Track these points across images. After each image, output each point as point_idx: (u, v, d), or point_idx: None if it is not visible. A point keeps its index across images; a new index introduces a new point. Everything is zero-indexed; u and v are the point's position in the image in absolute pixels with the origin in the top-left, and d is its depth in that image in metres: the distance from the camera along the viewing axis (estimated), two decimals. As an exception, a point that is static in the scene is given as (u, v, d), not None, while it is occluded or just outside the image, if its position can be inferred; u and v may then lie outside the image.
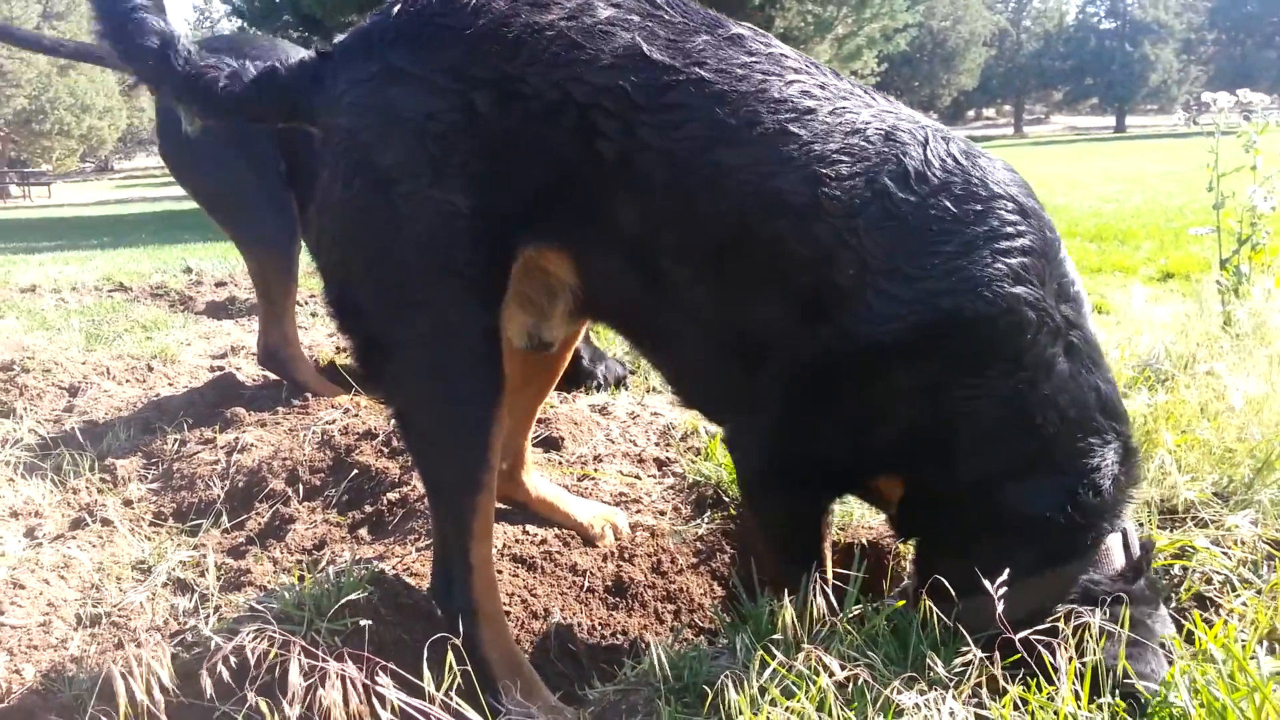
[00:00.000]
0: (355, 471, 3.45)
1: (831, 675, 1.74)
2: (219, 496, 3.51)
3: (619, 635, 2.56)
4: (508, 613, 2.55)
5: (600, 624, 2.59)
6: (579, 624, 2.57)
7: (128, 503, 3.57)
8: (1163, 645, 1.97)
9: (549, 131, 2.05)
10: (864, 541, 2.79)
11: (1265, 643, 2.02)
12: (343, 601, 2.36)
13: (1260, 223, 4.80)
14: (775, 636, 1.93)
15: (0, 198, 41.24)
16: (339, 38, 2.27)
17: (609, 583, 2.71)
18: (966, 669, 1.79)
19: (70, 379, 4.98)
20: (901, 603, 2.07)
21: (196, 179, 4.51)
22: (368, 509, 3.25)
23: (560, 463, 3.48)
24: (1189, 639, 2.00)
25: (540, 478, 3.01)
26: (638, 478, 3.37)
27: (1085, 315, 2.05)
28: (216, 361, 5.57)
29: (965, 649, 1.82)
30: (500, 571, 2.68)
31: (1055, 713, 1.71)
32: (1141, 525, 2.63)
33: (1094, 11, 78.31)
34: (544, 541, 2.82)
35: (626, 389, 4.50)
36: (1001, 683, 1.77)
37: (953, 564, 2.00)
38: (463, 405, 2.17)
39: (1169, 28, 72.03)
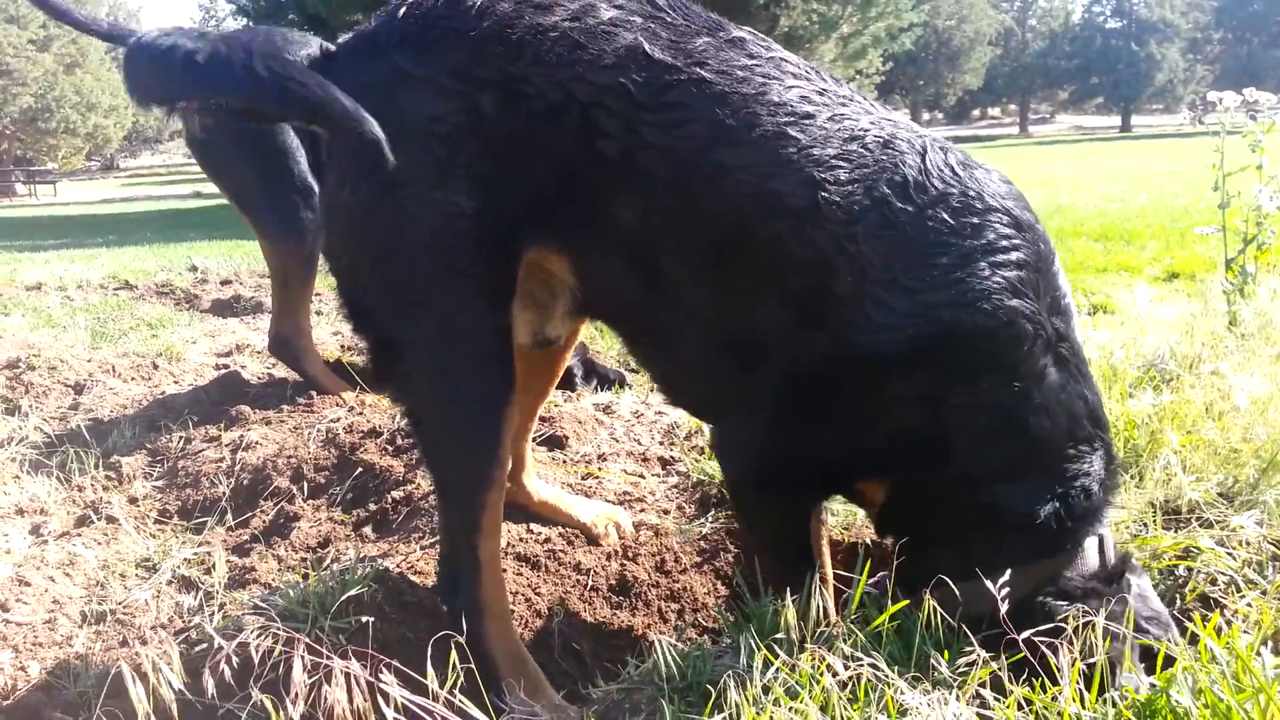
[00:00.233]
0: (360, 469, 3.46)
1: (835, 675, 1.74)
2: (224, 494, 3.52)
3: (622, 634, 2.56)
4: (511, 611, 2.55)
5: (604, 623, 2.59)
6: (583, 623, 2.57)
7: (133, 500, 3.58)
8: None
9: (552, 132, 2.06)
10: (868, 541, 2.79)
11: (1270, 643, 2.02)
12: (347, 599, 2.37)
13: (1266, 222, 4.79)
14: (779, 636, 1.93)
15: (6, 196, 41.32)
16: (343, 38, 2.27)
17: (613, 582, 2.71)
18: (970, 669, 1.79)
19: (76, 376, 4.99)
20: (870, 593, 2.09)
21: (223, 167, 4.54)
22: (372, 507, 3.26)
23: (564, 461, 3.48)
24: (1193, 640, 2.00)
25: (541, 481, 3.01)
26: (642, 477, 3.37)
27: (1074, 327, 2.09)
28: (221, 359, 5.58)
29: (969, 648, 1.82)
30: (504, 570, 2.68)
31: (1059, 713, 1.71)
32: (1146, 526, 2.63)
33: (1100, 10, 78.13)
34: (548, 540, 2.83)
35: (625, 387, 4.50)
36: (1005, 683, 1.77)
37: (941, 563, 2.02)
38: (473, 403, 2.18)
39: (1175, 27, 71.85)
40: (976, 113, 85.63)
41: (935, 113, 79.53)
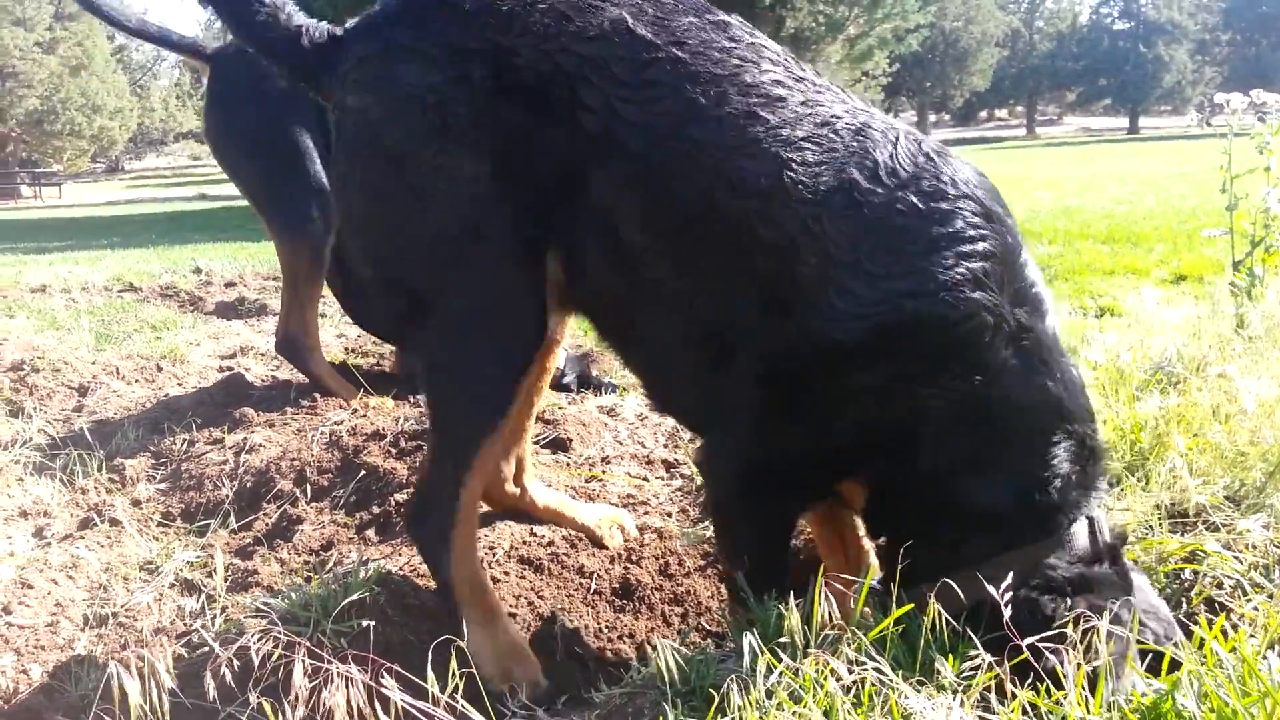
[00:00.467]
0: (363, 472, 3.45)
1: (839, 679, 1.73)
2: (227, 497, 3.51)
3: (626, 638, 2.55)
4: (514, 614, 2.55)
5: (607, 626, 2.58)
6: (586, 626, 2.56)
7: (136, 503, 3.58)
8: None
9: (541, 103, 2.10)
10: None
11: (1276, 648, 2.00)
12: (349, 602, 2.36)
13: (1274, 225, 4.77)
14: (782, 640, 1.92)
15: (11, 198, 41.44)
16: (351, 21, 2.35)
17: (616, 585, 2.70)
18: (974, 673, 1.78)
19: (80, 379, 4.99)
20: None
21: (238, 165, 4.56)
22: (375, 510, 3.25)
23: (568, 464, 3.47)
24: (1199, 645, 1.98)
25: (543, 486, 3.01)
26: (646, 479, 3.37)
27: (1043, 316, 2.06)
28: (225, 362, 5.58)
29: (974, 653, 1.80)
30: (507, 573, 2.67)
31: (1063, 717, 1.70)
32: (1152, 529, 2.61)
33: (1107, 12, 77.99)
34: (551, 543, 2.82)
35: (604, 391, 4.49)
36: (1010, 687, 1.75)
37: (916, 558, 2.02)
38: (494, 355, 2.24)
39: (1183, 28, 71.71)
40: (983, 114, 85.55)
41: (942, 114, 79.51)
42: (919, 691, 1.75)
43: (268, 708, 1.70)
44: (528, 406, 2.85)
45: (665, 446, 3.63)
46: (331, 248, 4.38)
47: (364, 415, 3.93)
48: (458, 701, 1.80)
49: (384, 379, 4.69)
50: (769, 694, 1.75)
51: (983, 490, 2.02)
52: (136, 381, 5.11)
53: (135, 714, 1.64)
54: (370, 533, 3.15)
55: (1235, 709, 1.68)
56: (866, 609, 2.04)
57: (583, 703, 2.27)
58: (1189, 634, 2.05)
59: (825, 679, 1.74)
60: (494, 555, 2.73)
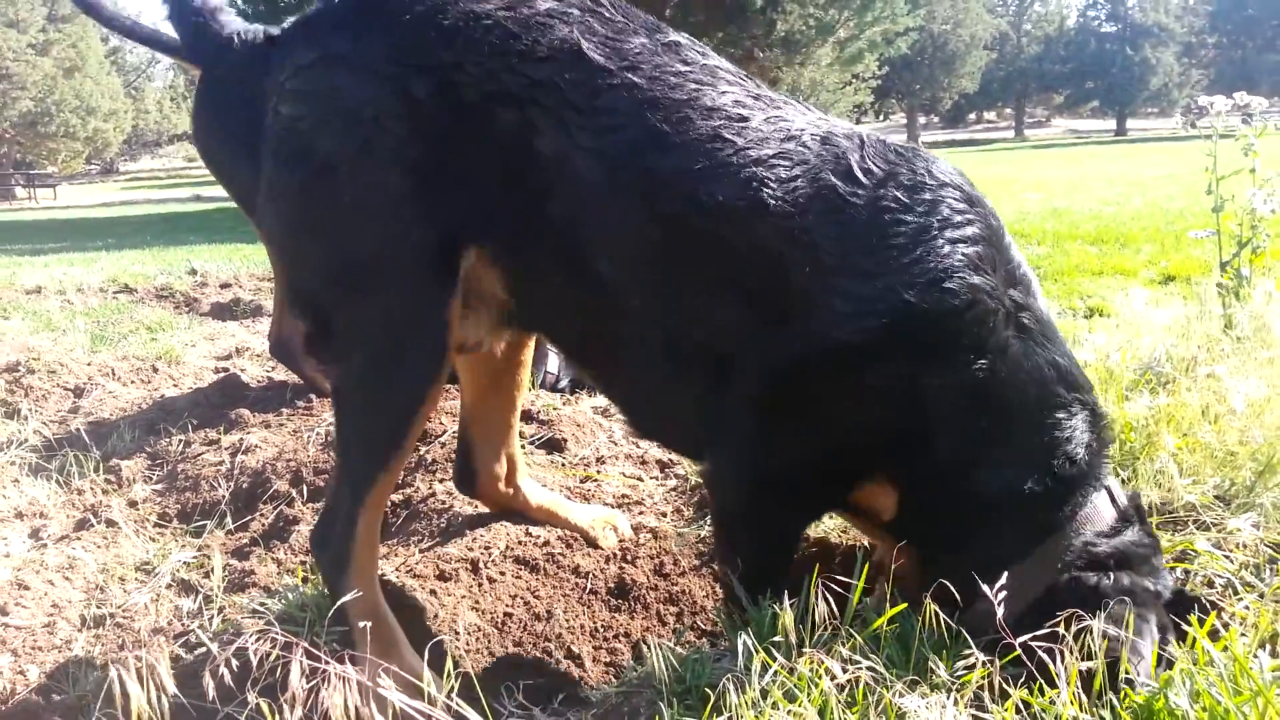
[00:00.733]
0: (358, 473, 3.45)
1: (833, 678, 1.75)
2: (223, 498, 3.52)
3: (621, 637, 2.57)
4: (510, 614, 2.56)
5: (603, 626, 2.59)
6: (581, 626, 2.58)
7: (132, 504, 3.58)
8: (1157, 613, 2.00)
9: (487, 123, 2.07)
10: (866, 544, 2.79)
11: (1268, 646, 2.03)
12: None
13: (1260, 226, 4.80)
14: (777, 639, 1.93)
15: (6, 200, 41.26)
16: (287, 22, 2.30)
17: (611, 585, 2.72)
18: (969, 672, 1.80)
19: (75, 380, 4.99)
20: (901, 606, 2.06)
21: (227, 168, 4.52)
22: (371, 511, 3.25)
23: (563, 465, 3.49)
24: (1191, 644, 2.01)
25: (537, 485, 3.01)
26: (640, 480, 3.38)
27: (1034, 294, 2.08)
28: (221, 363, 5.58)
29: (968, 652, 1.82)
30: (503, 573, 2.69)
31: (1056, 716, 1.72)
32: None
33: (1095, 15, 78.07)
34: (546, 543, 2.83)
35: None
36: (1004, 686, 1.77)
37: (948, 556, 2.03)
38: (393, 388, 2.21)
39: (1170, 31, 71.85)
40: (972, 116, 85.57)
41: (931, 116, 79.58)
42: (913, 690, 1.76)
43: (265, 708, 1.71)
44: (510, 404, 2.84)
45: (659, 447, 3.64)
46: None
47: (359, 417, 3.93)
48: (454, 701, 1.81)
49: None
50: (764, 693, 1.76)
51: (1010, 474, 2.02)
52: (132, 383, 5.11)
53: (136, 714, 1.64)
54: (366, 534, 3.15)
55: (1227, 708, 1.70)
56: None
57: (579, 702, 2.28)
58: (1181, 634, 2.07)
59: (820, 678, 1.76)
60: (490, 555, 2.74)
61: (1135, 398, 3.27)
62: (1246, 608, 2.24)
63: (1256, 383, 3.33)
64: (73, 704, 2.31)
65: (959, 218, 2.01)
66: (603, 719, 2.05)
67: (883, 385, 2.01)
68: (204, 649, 2.38)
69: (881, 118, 78.63)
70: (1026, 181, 21.68)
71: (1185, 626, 1.96)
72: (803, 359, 2.02)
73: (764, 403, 2.09)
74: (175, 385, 5.10)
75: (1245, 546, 2.49)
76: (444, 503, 3.11)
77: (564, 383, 4.57)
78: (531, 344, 2.78)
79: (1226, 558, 2.45)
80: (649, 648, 2.17)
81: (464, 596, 2.59)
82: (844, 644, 1.95)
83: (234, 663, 1.75)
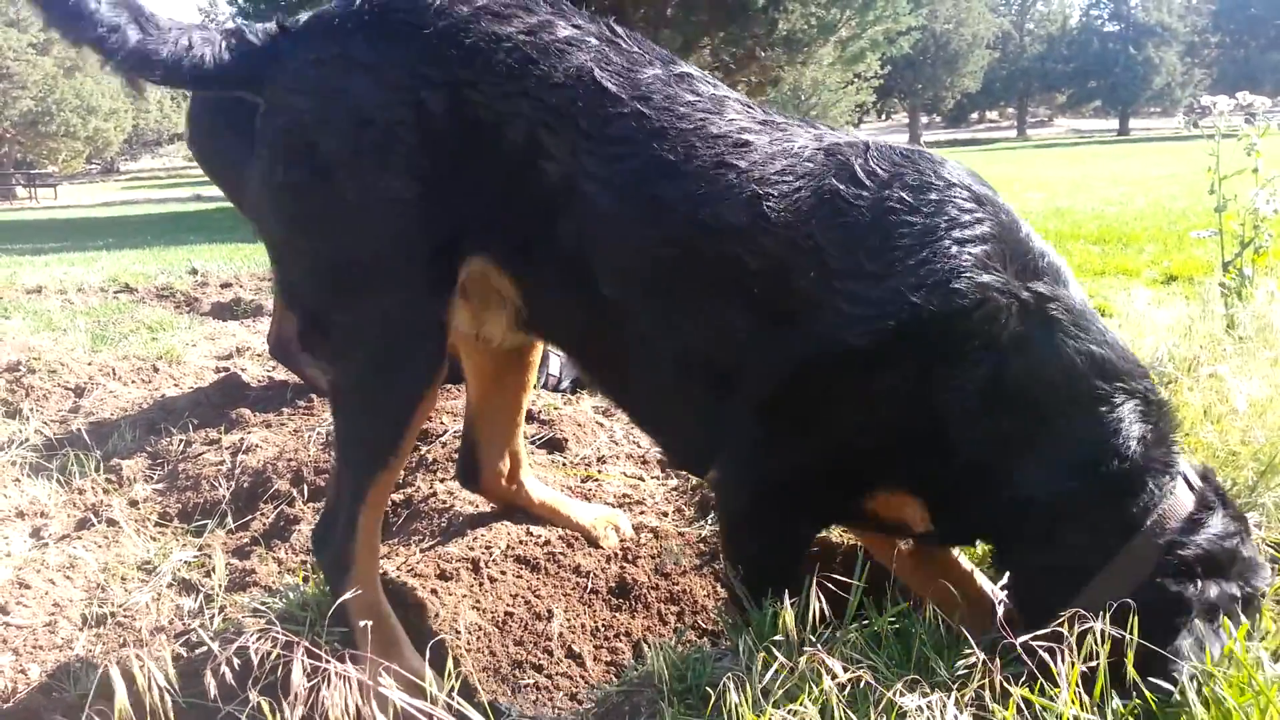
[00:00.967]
0: (359, 473, 3.45)
1: (834, 677, 1.74)
2: (224, 497, 3.52)
3: (622, 636, 2.57)
4: (511, 613, 2.56)
5: (604, 625, 2.59)
6: (583, 625, 2.58)
7: (133, 503, 3.58)
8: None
9: (497, 141, 2.09)
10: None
11: (1270, 648, 2.02)
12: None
13: (1263, 226, 4.79)
14: (778, 638, 1.93)
15: (7, 199, 41.31)
16: (303, 15, 2.30)
17: (612, 584, 2.71)
18: (969, 672, 1.79)
19: (76, 380, 4.99)
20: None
21: (223, 170, 4.52)
22: (372, 510, 3.25)
23: (564, 464, 3.49)
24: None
25: (540, 483, 3.01)
26: (641, 479, 3.38)
27: (1064, 283, 2.02)
28: (222, 362, 5.58)
29: (968, 651, 1.82)
30: (504, 572, 2.69)
31: (1058, 715, 1.72)
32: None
33: (1097, 14, 78.13)
34: (547, 543, 2.83)
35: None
36: (1005, 685, 1.77)
37: (1011, 571, 2.01)
38: (390, 390, 2.22)
39: (1173, 30, 71.86)
40: (974, 116, 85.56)
41: (934, 116, 79.61)
42: (913, 690, 1.76)
43: (266, 707, 1.71)
44: (516, 402, 2.85)
45: (668, 459, 3.64)
46: None
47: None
48: (455, 699, 1.81)
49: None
50: (765, 692, 1.76)
51: (1048, 476, 1.95)
52: (133, 382, 5.11)
53: (118, 713, 1.64)
54: (367, 533, 3.15)
55: (1230, 707, 1.71)
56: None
57: (580, 701, 2.28)
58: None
59: (821, 677, 1.75)
60: (491, 554, 2.74)
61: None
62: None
63: (1259, 383, 3.33)
64: (74, 703, 2.31)
65: (967, 217, 1.98)
66: (603, 718, 2.05)
67: (890, 389, 1.99)
68: (205, 648, 2.38)
69: (883, 117, 78.66)
70: (1029, 181, 21.69)
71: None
72: (809, 363, 2.01)
73: (770, 409, 2.08)
74: (176, 385, 5.10)
75: (1247, 546, 2.49)
76: (445, 502, 3.11)
77: (565, 383, 4.57)
78: (541, 345, 2.79)
79: (1229, 557, 2.44)
80: (650, 647, 2.17)
81: (465, 596, 2.59)
82: (845, 643, 1.95)
83: (235, 662, 1.74)
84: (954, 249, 1.94)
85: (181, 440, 4.04)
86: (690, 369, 2.17)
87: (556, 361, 4.55)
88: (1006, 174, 24.55)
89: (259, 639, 1.79)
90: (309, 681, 1.69)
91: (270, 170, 2.22)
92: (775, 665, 1.80)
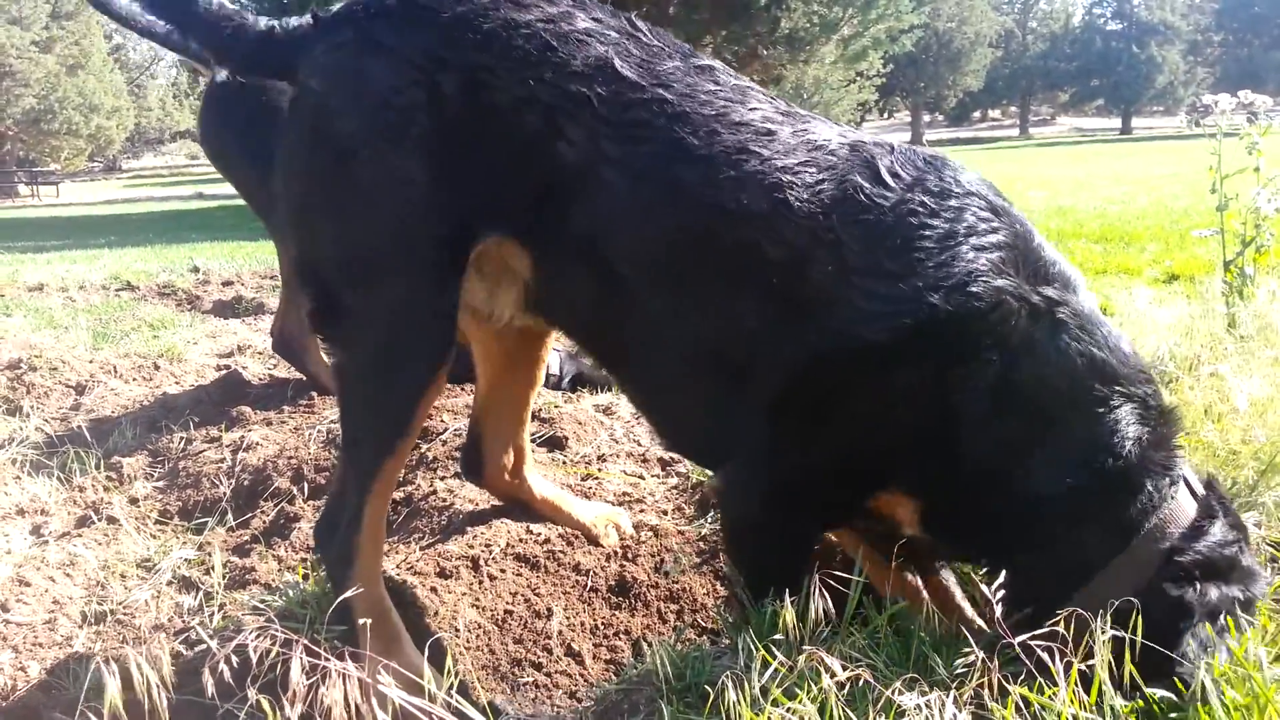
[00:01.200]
0: (360, 471, 3.45)
1: (833, 676, 1.74)
2: (224, 495, 3.52)
3: (622, 634, 2.57)
4: (510, 611, 2.56)
5: (603, 623, 2.59)
6: (582, 623, 2.58)
7: (134, 501, 3.59)
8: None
9: (513, 126, 2.11)
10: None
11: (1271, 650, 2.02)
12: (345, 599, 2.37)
13: (1264, 225, 4.79)
14: (777, 637, 1.93)
15: (9, 197, 41.36)
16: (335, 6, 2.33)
17: (612, 582, 2.71)
18: (968, 670, 1.79)
19: (77, 377, 5.00)
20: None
21: (236, 165, 4.53)
22: (372, 508, 3.25)
23: (564, 462, 3.49)
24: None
25: (542, 479, 3.02)
26: (641, 478, 3.38)
27: (1073, 290, 2.05)
28: (223, 360, 5.59)
29: (967, 650, 1.82)
30: (504, 570, 2.69)
31: (1057, 715, 1.72)
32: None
33: (1100, 13, 78.02)
34: (547, 541, 2.83)
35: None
36: (1004, 683, 1.77)
37: (1009, 569, 2.01)
38: (399, 375, 2.23)
39: (1175, 29, 71.77)
40: (977, 114, 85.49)
41: (936, 114, 79.52)
42: (912, 688, 1.76)
43: (266, 705, 1.71)
44: (523, 397, 2.86)
45: (679, 454, 3.64)
46: None
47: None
48: (454, 698, 1.81)
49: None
50: (764, 690, 1.76)
51: (1048, 475, 1.97)
52: (134, 380, 5.12)
53: (135, 712, 1.65)
54: (367, 531, 3.15)
55: (1231, 707, 1.71)
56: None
57: (579, 699, 2.29)
58: None
59: (820, 675, 1.75)
60: (490, 552, 2.74)
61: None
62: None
63: (1259, 382, 3.33)
64: (73, 700, 2.31)
65: (984, 225, 2.01)
66: (602, 716, 2.05)
67: (905, 387, 2.01)
68: (204, 646, 2.38)
69: (886, 116, 78.61)
70: (1031, 180, 21.67)
71: None
72: (824, 358, 2.02)
73: (783, 405, 2.08)
74: (177, 383, 5.10)
75: (1248, 545, 2.48)
76: (445, 500, 3.11)
77: (566, 381, 4.58)
78: (550, 340, 2.80)
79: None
80: (649, 645, 2.18)
81: (464, 594, 2.59)
82: (844, 642, 1.95)
83: (234, 659, 1.75)
84: (972, 254, 1.97)
85: (182, 438, 4.05)
86: (701, 358, 2.18)
87: (556, 359, 4.55)
88: (1009, 173, 24.54)
89: (258, 637, 1.80)
90: (308, 679, 1.69)
91: (294, 152, 2.27)
92: (774, 664, 1.80)
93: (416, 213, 2.15)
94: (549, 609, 2.59)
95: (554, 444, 3.64)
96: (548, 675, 2.40)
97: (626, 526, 2.94)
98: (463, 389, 4.12)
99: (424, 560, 2.73)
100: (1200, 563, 1.93)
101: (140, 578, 2.99)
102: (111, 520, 3.36)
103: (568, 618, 2.58)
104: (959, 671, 1.82)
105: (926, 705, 1.70)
